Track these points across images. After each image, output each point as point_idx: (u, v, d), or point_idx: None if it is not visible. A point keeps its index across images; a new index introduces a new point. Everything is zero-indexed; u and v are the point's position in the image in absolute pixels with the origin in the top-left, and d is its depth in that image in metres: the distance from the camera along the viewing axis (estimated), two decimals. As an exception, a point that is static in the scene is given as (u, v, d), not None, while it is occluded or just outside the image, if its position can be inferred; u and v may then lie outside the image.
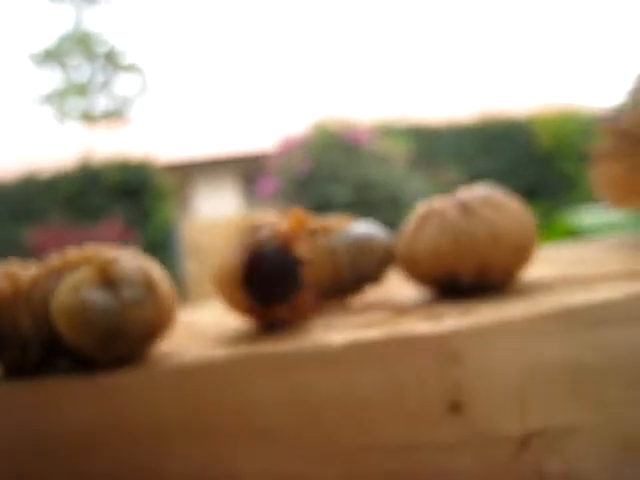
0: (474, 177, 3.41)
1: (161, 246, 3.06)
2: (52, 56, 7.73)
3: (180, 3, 15.51)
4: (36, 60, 7.78)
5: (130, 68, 8.06)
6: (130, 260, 0.21)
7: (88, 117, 7.48)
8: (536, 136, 3.67)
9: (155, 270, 0.21)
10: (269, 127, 4.64)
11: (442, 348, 0.16)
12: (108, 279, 0.19)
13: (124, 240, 2.63)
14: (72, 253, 0.21)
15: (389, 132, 3.27)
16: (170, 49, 15.36)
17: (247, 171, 4.64)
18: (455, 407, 0.16)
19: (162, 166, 3.43)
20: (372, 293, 0.25)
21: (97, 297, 0.19)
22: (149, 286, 0.20)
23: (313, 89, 13.48)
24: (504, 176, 3.51)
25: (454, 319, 0.17)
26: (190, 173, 4.72)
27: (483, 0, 15.11)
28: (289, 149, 3.03)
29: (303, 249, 0.22)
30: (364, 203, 2.72)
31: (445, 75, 15.11)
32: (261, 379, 0.17)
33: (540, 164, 3.51)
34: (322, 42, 16.21)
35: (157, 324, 0.20)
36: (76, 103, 7.83)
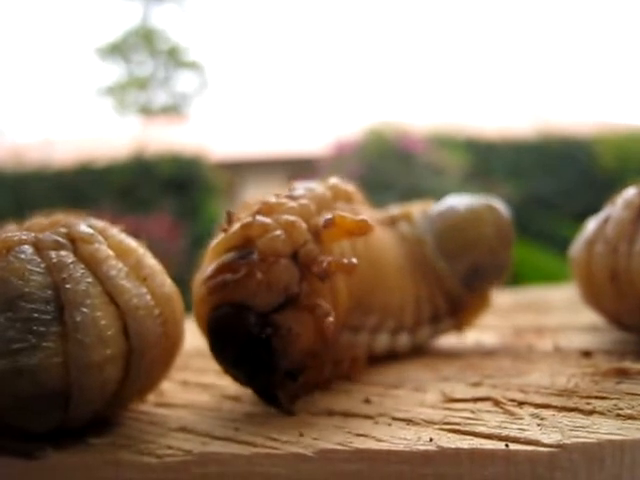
0: (531, 195, 3.29)
1: (208, 240, 3.06)
2: (117, 50, 7.93)
3: (243, 6, 15.79)
4: (101, 53, 8.00)
5: (191, 65, 8.19)
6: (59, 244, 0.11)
7: (147, 111, 7.63)
8: (599, 157, 3.51)
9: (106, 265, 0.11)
10: (320, 130, 4.62)
11: None
12: None
13: (172, 233, 2.64)
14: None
15: (444, 142, 3.19)
16: (231, 48, 15.62)
17: (296, 172, 4.62)
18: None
19: (214, 162, 3.44)
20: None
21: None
22: (58, 306, 0.10)
23: (367, 94, 13.46)
24: (562, 196, 3.37)
25: None
26: (240, 171, 4.74)
27: (546, 11, 14.80)
28: (341, 153, 2.99)
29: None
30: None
31: (503, 84, 14.83)
32: None
33: (601, 186, 3.35)
34: (378, 47, 16.17)
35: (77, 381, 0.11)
36: (136, 96, 8.00)
